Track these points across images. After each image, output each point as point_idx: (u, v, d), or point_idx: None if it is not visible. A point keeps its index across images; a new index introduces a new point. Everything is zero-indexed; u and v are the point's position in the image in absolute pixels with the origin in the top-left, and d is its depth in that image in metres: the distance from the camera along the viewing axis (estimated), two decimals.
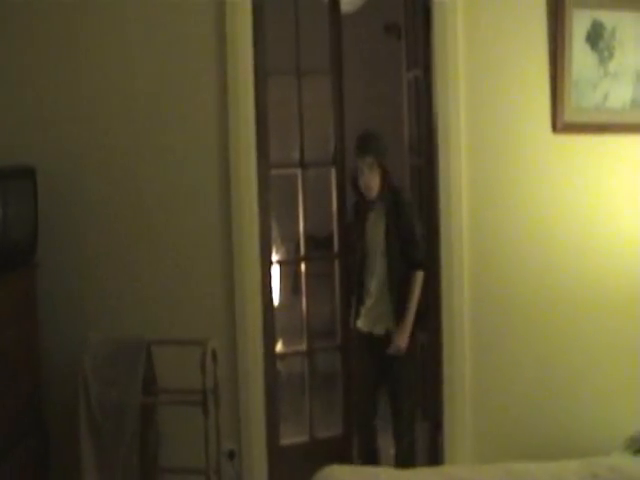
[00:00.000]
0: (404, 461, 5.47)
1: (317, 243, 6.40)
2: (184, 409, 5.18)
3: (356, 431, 5.73)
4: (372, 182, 5.42)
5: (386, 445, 5.68)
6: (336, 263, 5.85)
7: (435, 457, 5.71)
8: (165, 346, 5.24)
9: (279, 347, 5.92)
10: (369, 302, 5.52)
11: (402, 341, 5.37)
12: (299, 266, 6.06)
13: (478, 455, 5.58)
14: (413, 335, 5.44)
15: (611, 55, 5.44)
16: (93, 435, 5.04)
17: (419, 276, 5.39)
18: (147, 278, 5.49)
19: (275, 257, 6.00)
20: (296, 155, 5.84)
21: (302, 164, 5.80)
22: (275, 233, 6.03)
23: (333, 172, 5.79)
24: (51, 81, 5.45)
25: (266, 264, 5.57)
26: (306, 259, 5.94)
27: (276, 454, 5.59)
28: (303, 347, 5.84)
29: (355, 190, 5.56)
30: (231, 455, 5.45)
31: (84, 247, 5.48)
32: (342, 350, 5.84)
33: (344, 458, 5.57)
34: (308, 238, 5.90)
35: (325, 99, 5.83)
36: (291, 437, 5.77)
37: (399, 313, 5.39)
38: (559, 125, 5.47)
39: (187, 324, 5.40)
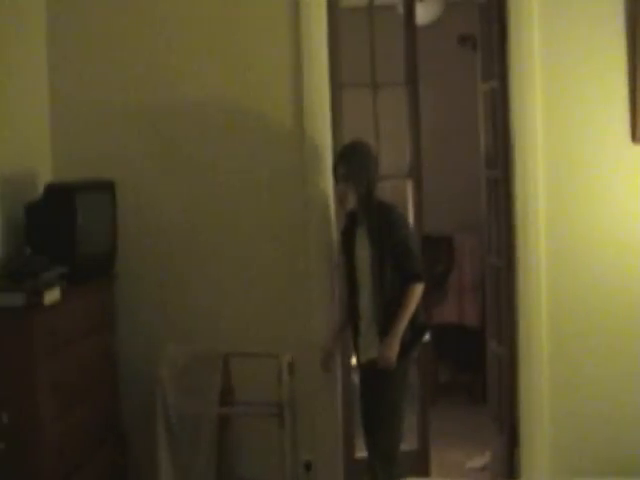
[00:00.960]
0: None
1: None
2: (261, 421, 5.21)
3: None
4: (344, 194, 5.08)
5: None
6: None
7: (511, 472, 5.64)
8: (243, 358, 5.27)
9: (354, 360, 5.88)
10: (363, 327, 5.09)
11: (390, 351, 4.90)
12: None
13: (556, 471, 5.47)
14: (401, 357, 4.97)
15: None
16: (171, 445, 5.09)
17: (414, 288, 4.94)
18: (225, 289, 5.56)
19: None
20: None
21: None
22: None
23: (410, 184, 5.78)
24: (129, 96, 5.57)
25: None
26: None
27: (352, 466, 5.60)
28: None
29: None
30: (307, 467, 5.46)
31: (162, 259, 5.57)
32: (418, 362, 5.82)
33: (421, 472, 5.54)
34: None
35: (401, 111, 5.82)
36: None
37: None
38: (638, 135, 5.39)
39: (265, 336, 5.43)
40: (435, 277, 7.66)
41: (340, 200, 5.16)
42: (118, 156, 5.56)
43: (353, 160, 5.06)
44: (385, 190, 5.78)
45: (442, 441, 6.32)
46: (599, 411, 5.49)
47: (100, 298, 5.16)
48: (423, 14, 7.15)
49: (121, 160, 5.55)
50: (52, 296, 4.54)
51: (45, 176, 5.37)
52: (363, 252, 5.05)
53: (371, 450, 5.09)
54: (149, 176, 5.57)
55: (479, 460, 6.32)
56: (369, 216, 5.04)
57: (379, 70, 5.74)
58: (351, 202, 5.08)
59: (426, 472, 5.70)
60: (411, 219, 5.79)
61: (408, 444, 5.79)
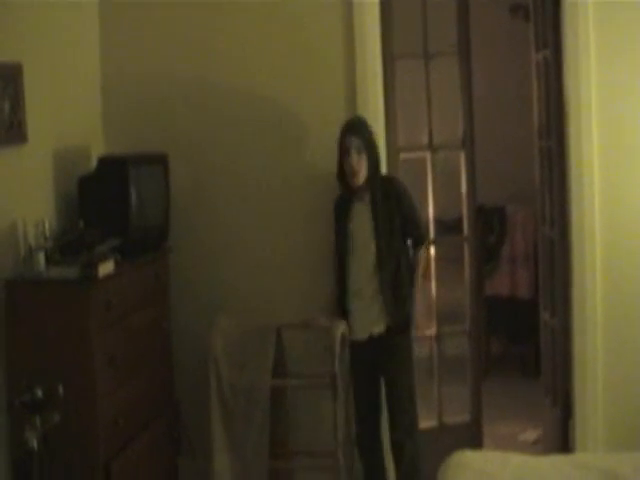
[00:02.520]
0: (407, 475, 5.14)
1: (446, 227, 6.37)
2: (314, 393, 5.24)
3: (359, 451, 5.29)
4: (359, 166, 4.97)
5: None
6: (465, 247, 5.81)
7: (565, 444, 5.61)
8: (295, 330, 5.28)
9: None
10: (362, 304, 5.08)
11: None
12: (428, 250, 6.03)
13: (611, 443, 5.43)
14: (407, 332, 5.14)
15: None
16: (224, 417, 5.12)
17: (423, 251, 5.23)
18: (278, 261, 5.57)
19: None
20: (425, 139, 5.80)
21: (431, 147, 5.77)
22: None
23: (462, 155, 5.75)
24: (180, 70, 5.59)
25: None
26: (435, 242, 5.90)
27: None
28: (432, 331, 5.82)
29: (340, 179, 5.10)
30: None
31: (215, 231, 5.59)
32: (471, 334, 5.81)
33: (473, 444, 5.52)
34: (437, 222, 5.86)
35: (453, 82, 5.78)
36: (419, 421, 5.73)
37: (398, 309, 5.05)
38: None
39: (318, 308, 5.30)
40: (487, 248, 7.63)
41: (355, 173, 4.99)
42: (170, 129, 5.58)
43: (366, 133, 5.05)
44: (438, 161, 5.79)
45: (494, 413, 6.31)
46: None
47: (154, 271, 5.18)
48: None
49: (173, 133, 5.57)
50: (106, 269, 4.56)
51: (97, 150, 5.40)
52: (363, 227, 5.05)
53: (395, 427, 5.14)
54: (201, 149, 5.59)
55: (532, 433, 6.30)
56: (379, 189, 5.04)
57: (431, 41, 5.70)
58: (363, 176, 5.01)
59: (478, 444, 5.70)
60: (464, 190, 5.78)
61: (460, 416, 5.81)
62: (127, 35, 5.60)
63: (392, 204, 5.04)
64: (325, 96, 5.50)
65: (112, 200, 4.90)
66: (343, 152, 5.02)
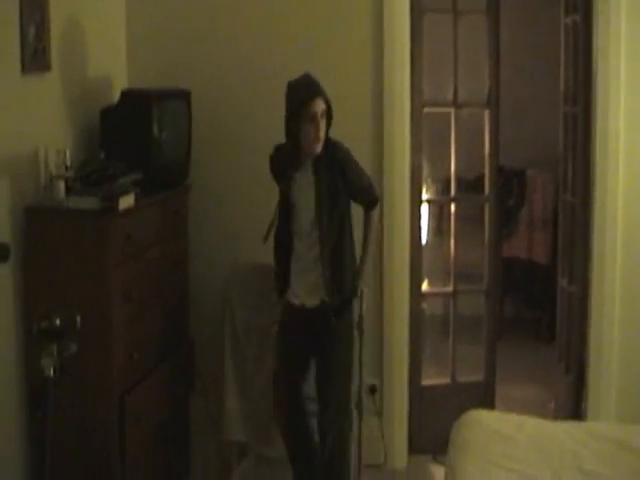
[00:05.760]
0: (328, 462, 4.72)
1: (467, 185, 6.30)
2: None
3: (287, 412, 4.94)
4: (323, 132, 4.48)
5: None
6: (486, 206, 5.73)
7: (577, 412, 5.57)
8: None
9: (424, 287, 5.79)
10: (301, 272, 4.66)
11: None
12: (447, 207, 5.96)
13: (623, 414, 5.40)
14: (349, 306, 4.73)
15: None
16: (236, 359, 5.11)
17: (375, 215, 4.79)
18: None
19: (424, 196, 5.88)
20: (450, 95, 5.72)
21: (456, 104, 5.69)
22: (425, 172, 5.90)
23: (486, 114, 5.68)
24: (205, 5, 5.51)
25: (415, 202, 5.50)
26: (455, 200, 5.83)
27: (417, 393, 5.58)
28: (449, 289, 5.76)
29: (292, 145, 4.57)
30: (372, 390, 5.41)
31: (235, 170, 5.50)
32: (487, 294, 5.76)
33: (485, 404, 5.47)
34: (458, 179, 5.78)
35: (481, 40, 5.70)
36: (432, 378, 5.72)
37: (336, 282, 4.60)
38: None
39: None
40: (506, 210, 7.55)
41: (319, 140, 4.49)
42: (193, 66, 5.47)
43: (326, 93, 4.51)
44: (462, 118, 5.72)
45: (506, 375, 6.25)
46: None
47: (173, 207, 5.09)
48: None
49: (196, 70, 5.46)
50: (126, 202, 4.47)
51: (120, 83, 5.33)
52: (306, 196, 4.57)
53: (322, 409, 4.73)
54: (223, 87, 5.49)
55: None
56: (323, 158, 4.54)
57: None
58: (322, 141, 4.53)
59: (491, 404, 5.67)
60: (486, 149, 5.72)
61: (474, 375, 5.77)
62: None
63: (335, 172, 4.54)
64: (352, 46, 5.41)
65: (134, 134, 4.80)
66: (306, 117, 4.46)
